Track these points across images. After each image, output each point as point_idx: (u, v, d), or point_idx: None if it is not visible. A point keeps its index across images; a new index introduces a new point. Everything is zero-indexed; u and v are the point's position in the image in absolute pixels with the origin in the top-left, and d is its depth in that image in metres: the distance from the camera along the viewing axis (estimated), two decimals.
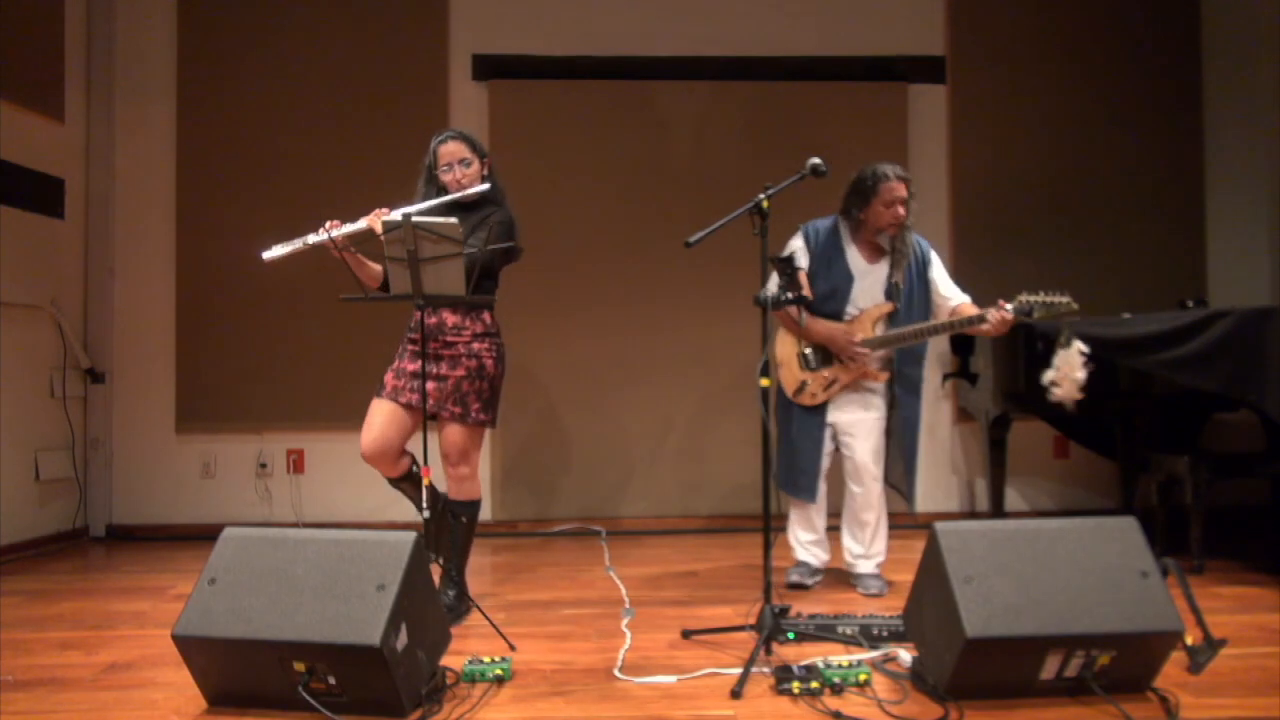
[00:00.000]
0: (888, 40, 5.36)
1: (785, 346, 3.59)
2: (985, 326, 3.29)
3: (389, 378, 3.19)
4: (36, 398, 4.74)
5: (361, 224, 3.01)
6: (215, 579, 2.30)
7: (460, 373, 3.10)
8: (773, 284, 2.94)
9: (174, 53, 5.19)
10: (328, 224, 3.00)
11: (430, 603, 2.37)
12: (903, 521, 4.67)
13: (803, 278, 3.01)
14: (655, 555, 4.40)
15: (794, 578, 3.59)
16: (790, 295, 2.91)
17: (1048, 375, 3.63)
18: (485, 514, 5.14)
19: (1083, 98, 5.39)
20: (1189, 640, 2.38)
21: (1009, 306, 3.24)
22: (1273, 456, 4.15)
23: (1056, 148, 5.37)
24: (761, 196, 2.80)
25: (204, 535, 3.43)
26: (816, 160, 2.92)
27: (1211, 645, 2.42)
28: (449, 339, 3.11)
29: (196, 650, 2.25)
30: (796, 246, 3.57)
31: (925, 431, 5.29)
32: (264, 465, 5.15)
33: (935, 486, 5.35)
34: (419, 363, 3.09)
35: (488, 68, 5.27)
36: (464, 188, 3.16)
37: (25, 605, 3.50)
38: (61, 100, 4.91)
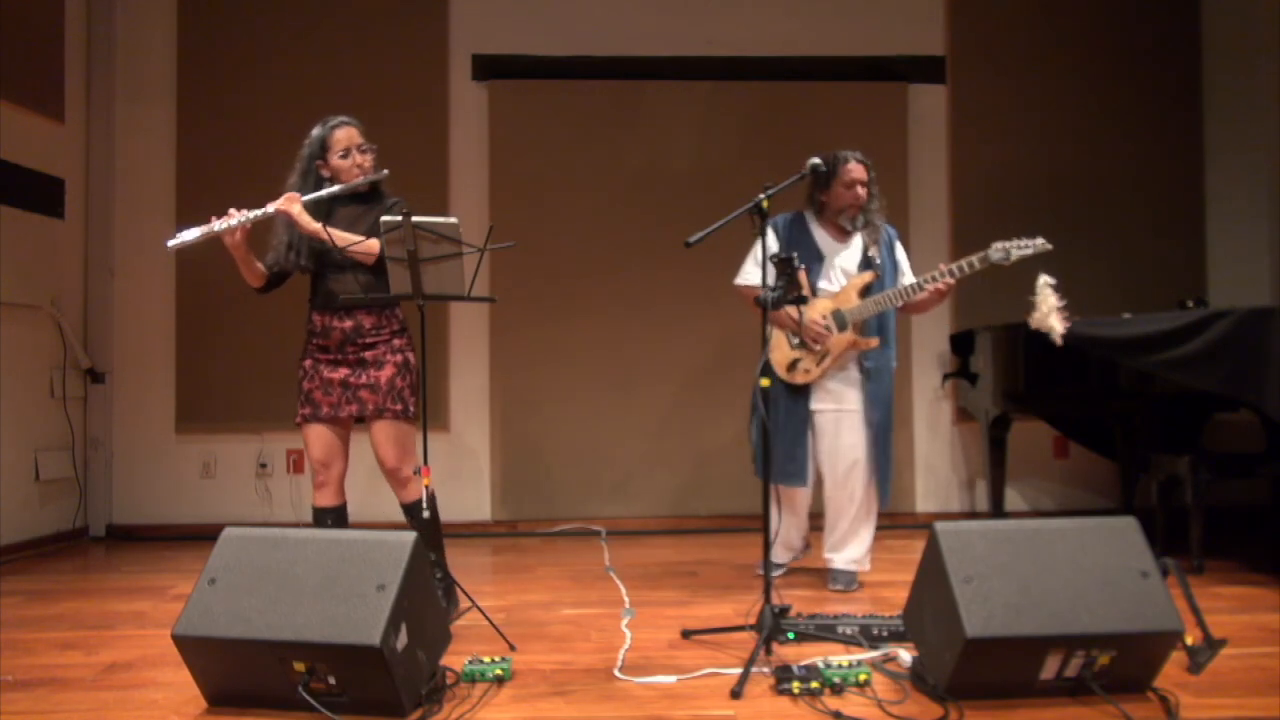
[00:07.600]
0: (888, 40, 5.36)
1: (775, 329, 3.58)
2: (921, 296, 3.44)
3: (317, 395, 3.10)
4: (36, 398, 4.74)
5: (270, 209, 2.96)
6: (215, 579, 2.29)
7: (391, 370, 3.07)
8: (752, 266, 2.88)
9: (174, 53, 5.20)
10: (230, 211, 2.94)
11: (430, 603, 2.37)
12: (903, 521, 4.67)
13: (802, 276, 3.00)
14: (655, 555, 4.40)
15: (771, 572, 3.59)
16: (790, 295, 2.90)
17: (1033, 320, 3.77)
18: (485, 514, 5.18)
19: (1083, 98, 5.39)
20: (1189, 640, 2.38)
21: (962, 263, 3.39)
22: (1273, 456, 4.15)
23: (1056, 148, 5.37)
24: (761, 196, 2.81)
25: (204, 535, 3.43)
26: (816, 160, 2.95)
27: (1211, 645, 2.42)
28: (369, 340, 3.07)
29: (196, 650, 2.25)
30: (768, 238, 3.59)
31: (926, 431, 5.34)
32: (264, 465, 5.15)
33: (935, 486, 5.35)
34: (341, 370, 3.06)
35: (488, 68, 5.27)
36: (366, 174, 3.07)
37: (25, 605, 3.50)
38: (61, 100, 4.91)
